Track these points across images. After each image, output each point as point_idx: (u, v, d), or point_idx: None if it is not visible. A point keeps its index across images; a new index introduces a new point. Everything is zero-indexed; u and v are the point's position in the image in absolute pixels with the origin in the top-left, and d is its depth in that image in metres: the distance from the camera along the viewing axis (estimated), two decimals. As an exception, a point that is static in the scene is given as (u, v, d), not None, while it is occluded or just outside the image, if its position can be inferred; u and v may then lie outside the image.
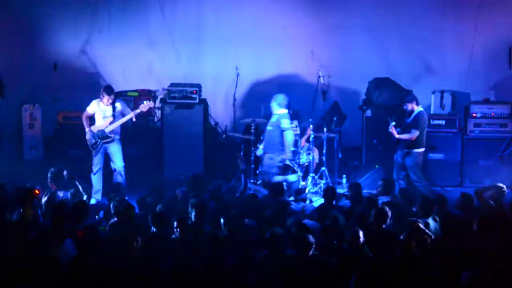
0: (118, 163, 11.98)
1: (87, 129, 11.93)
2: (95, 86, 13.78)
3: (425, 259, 7.71)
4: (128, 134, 13.87)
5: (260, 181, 12.62)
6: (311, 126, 12.75)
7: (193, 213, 9.19)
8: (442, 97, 13.84)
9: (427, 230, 8.40)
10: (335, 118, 13.38)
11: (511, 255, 7.73)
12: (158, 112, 14.17)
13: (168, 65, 14.72)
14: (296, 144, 12.89)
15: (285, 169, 12.63)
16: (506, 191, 10.69)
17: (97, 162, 11.99)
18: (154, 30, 14.77)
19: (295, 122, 13.26)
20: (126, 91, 14.14)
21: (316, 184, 12.80)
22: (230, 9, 14.70)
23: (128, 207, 9.30)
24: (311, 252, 7.90)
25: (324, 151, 12.93)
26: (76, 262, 7.56)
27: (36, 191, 10.15)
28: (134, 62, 14.64)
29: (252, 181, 12.71)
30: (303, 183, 12.63)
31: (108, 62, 14.53)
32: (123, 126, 12.12)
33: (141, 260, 7.83)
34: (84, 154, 12.64)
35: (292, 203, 11.32)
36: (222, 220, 8.81)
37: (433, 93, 13.95)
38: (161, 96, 12.62)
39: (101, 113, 11.93)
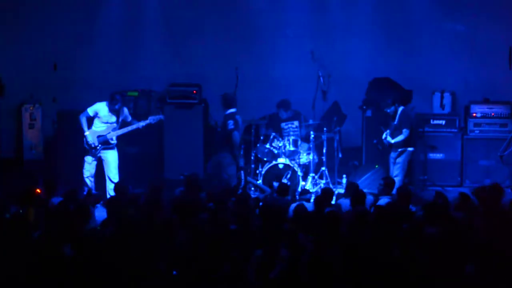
0: (113, 171, 11.76)
1: (86, 132, 11.75)
2: (96, 86, 13.77)
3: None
4: (128, 134, 13.88)
5: (260, 180, 12.65)
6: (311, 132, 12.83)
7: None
8: (442, 97, 13.86)
9: None
10: (335, 118, 13.39)
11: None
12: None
13: (168, 65, 14.70)
14: (296, 144, 12.90)
15: (285, 170, 12.66)
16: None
17: (90, 168, 11.80)
18: (155, 29, 14.75)
19: (296, 123, 13.28)
20: (126, 91, 14.11)
21: (316, 184, 12.82)
22: (230, 8, 14.69)
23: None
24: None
25: (324, 151, 12.94)
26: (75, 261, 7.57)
27: (38, 190, 10.15)
28: (134, 62, 14.61)
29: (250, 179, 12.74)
30: (303, 183, 12.65)
31: (108, 62, 14.50)
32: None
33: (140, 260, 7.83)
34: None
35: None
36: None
37: (433, 93, 13.97)
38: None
39: (104, 118, 11.77)
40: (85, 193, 11.46)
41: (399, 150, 12.20)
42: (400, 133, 12.13)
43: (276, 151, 12.84)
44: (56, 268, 7.45)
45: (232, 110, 12.41)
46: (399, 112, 12.24)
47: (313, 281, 7.31)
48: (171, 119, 13.71)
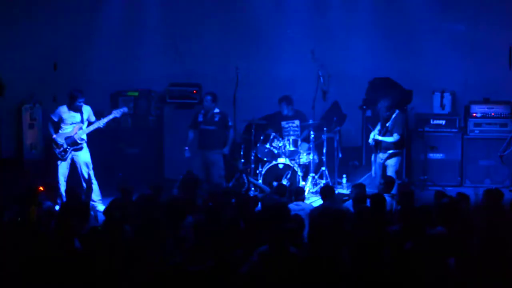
0: (85, 172, 11.65)
1: (54, 136, 11.65)
2: (96, 86, 13.77)
3: None
4: (128, 134, 13.91)
5: (260, 180, 12.66)
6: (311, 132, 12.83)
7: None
8: (442, 97, 13.86)
9: None
10: (335, 118, 13.40)
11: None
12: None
13: (168, 65, 14.70)
14: (296, 144, 12.91)
15: (285, 170, 12.66)
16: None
17: (64, 171, 11.67)
18: (155, 29, 14.75)
19: (296, 122, 13.28)
20: (126, 91, 14.12)
21: (316, 184, 12.82)
22: (231, 8, 14.69)
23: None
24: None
25: (324, 151, 12.94)
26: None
27: (40, 188, 10.15)
28: (134, 62, 14.61)
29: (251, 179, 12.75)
30: (303, 183, 12.65)
31: (108, 62, 14.50)
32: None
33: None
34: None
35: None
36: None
37: (433, 93, 13.97)
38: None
39: (69, 119, 11.67)
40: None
41: (390, 152, 12.09)
42: (391, 135, 12.04)
43: (276, 151, 12.84)
44: (57, 267, 7.48)
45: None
46: (394, 115, 12.18)
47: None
48: (171, 119, 13.73)
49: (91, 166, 11.74)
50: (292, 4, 14.67)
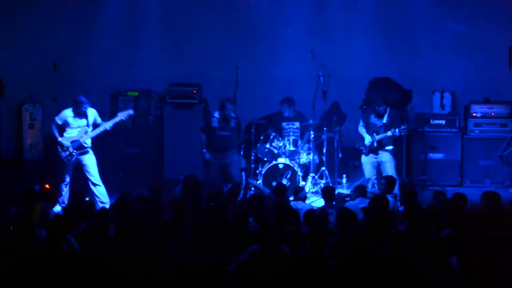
0: (95, 175, 11.59)
1: (59, 139, 11.55)
2: (96, 86, 13.78)
3: None
4: (128, 134, 13.91)
5: (260, 180, 12.66)
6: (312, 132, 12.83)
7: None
8: (442, 97, 13.86)
9: None
10: (335, 118, 13.39)
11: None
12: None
13: (168, 65, 14.70)
14: (296, 144, 12.91)
15: (285, 170, 12.66)
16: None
17: (67, 174, 11.60)
18: (155, 29, 14.75)
19: (297, 124, 13.28)
20: (127, 91, 14.12)
21: (316, 184, 12.82)
22: (231, 8, 14.69)
23: None
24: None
25: (324, 151, 12.94)
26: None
27: (47, 186, 10.15)
28: (134, 62, 14.61)
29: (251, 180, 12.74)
30: (303, 183, 12.65)
31: (108, 62, 14.50)
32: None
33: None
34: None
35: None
36: None
37: (433, 93, 13.97)
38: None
39: (74, 123, 11.59)
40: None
41: (390, 148, 12.13)
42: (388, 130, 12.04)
43: (276, 151, 12.84)
44: (58, 266, 7.49)
45: None
46: (387, 111, 12.19)
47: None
48: (171, 119, 13.73)
49: (97, 169, 11.69)
50: (292, 4, 14.67)
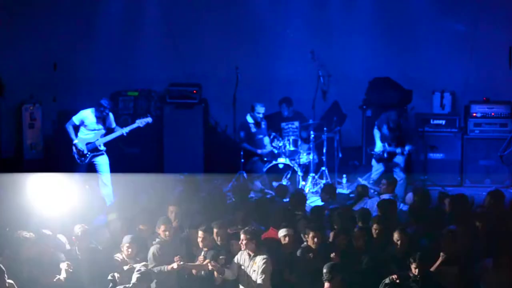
0: (106, 174, 11.62)
1: (75, 140, 11.55)
2: (96, 86, 13.77)
3: None
4: (128, 134, 13.88)
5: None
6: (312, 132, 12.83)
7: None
8: (442, 97, 13.85)
9: None
10: (335, 118, 13.40)
11: None
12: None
13: (168, 65, 14.70)
14: (296, 144, 12.90)
15: (285, 170, 12.66)
16: None
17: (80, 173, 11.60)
18: (155, 29, 14.75)
19: (296, 123, 13.28)
20: (127, 91, 14.11)
21: (316, 184, 12.81)
22: (231, 8, 14.68)
23: None
24: None
25: (324, 151, 12.94)
26: None
27: None
28: (134, 62, 14.61)
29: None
30: (303, 182, 12.66)
31: (108, 62, 14.50)
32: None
33: None
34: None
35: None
36: None
37: (433, 93, 13.96)
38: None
39: (90, 125, 11.58)
40: None
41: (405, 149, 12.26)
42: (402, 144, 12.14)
43: (276, 151, 12.84)
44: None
45: None
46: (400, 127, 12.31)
47: None
48: (171, 119, 13.72)
49: (108, 170, 11.68)
50: (292, 4, 14.66)
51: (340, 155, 13.19)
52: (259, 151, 12.87)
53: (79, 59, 14.38)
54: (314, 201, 12.07)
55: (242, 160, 12.96)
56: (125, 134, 11.64)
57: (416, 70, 14.33)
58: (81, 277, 8.13)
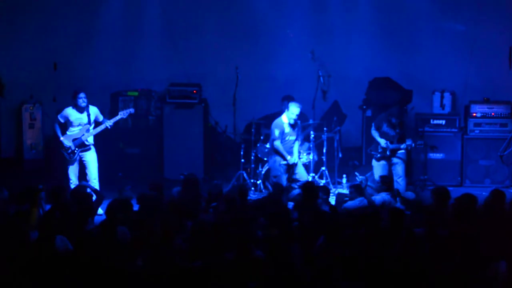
0: (93, 172, 11.63)
1: (61, 138, 11.58)
2: (96, 86, 13.77)
3: None
4: (128, 134, 13.91)
5: (260, 181, 12.67)
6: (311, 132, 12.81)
7: None
8: (442, 97, 13.85)
9: None
10: (335, 118, 13.40)
11: None
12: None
13: (168, 65, 14.70)
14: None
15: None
16: None
17: (74, 172, 11.65)
18: (155, 29, 14.76)
19: (298, 122, 13.26)
20: (127, 91, 14.12)
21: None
22: (231, 8, 14.70)
23: None
24: None
25: (324, 151, 12.94)
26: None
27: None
28: (134, 62, 14.62)
29: (252, 181, 12.74)
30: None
31: (108, 62, 14.51)
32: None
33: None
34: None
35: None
36: None
37: (433, 93, 13.96)
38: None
39: (75, 120, 11.61)
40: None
41: (403, 152, 12.20)
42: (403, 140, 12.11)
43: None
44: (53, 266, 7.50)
45: None
46: (401, 123, 12.27)
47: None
48: (171, 119, 13.73)
49: (96, 168, 11.69)
50: (292, 4, 14.67)
51: (340, 155, 13.19)
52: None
53: (79, 59, 14.39)
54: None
55: (242, 160, 12.96)
56: (109, 127, 11.64)
57: (416, 70, 14.35)
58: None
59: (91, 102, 11.89)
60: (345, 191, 12.59)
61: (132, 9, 14.71)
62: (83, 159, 11.67)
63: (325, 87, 13.26)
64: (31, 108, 14.00)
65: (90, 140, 11.67)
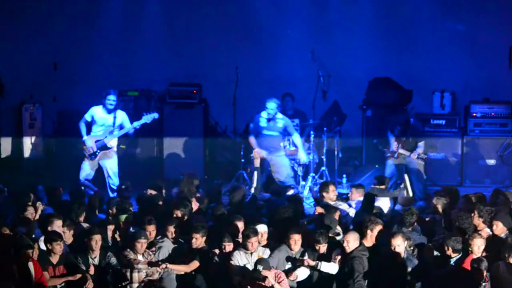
0: (114, 179, 11.64)
1: (85, 137, 11.59)
2: (96, 86, 13.77)
3: None
4: (128, 134, 13.90)
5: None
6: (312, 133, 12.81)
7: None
8: (442, 97, 13.85)
9: None
10: (335, 118, 13.40)
11: None
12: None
13: (168, 65, 14.70)
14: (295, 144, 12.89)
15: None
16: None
17: (87, 172, 11.64)
18: (155, 29, 14.75)
19: (296, 121, 13.27)
20: (127, 91, 14.11)
21: (316, 184, 12.80)
22: (231, 8, 14.69)
23: None
24: None
25: (324, 151, 12.93)
26: None
27: (60, 189, 10.19)
28: (134, 62, 14.61)
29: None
30: (303, 182, 12.64)
31: (108, 62, 14.51)
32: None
33: None
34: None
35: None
36: None
37: (433, 93, 13.96)
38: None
39: (100, 120, 11.62)
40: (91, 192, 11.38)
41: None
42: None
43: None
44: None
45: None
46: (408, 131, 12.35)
47: None
48: (171, 119, 13.72)
49: (117, 175, 11.69)
50: (292, 4, 14.66)
51: (340, 155, 13.19)
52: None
53: (79, 59, 14.38)
54: (313, 201, 12.06)
55: (242, 160, 12.95)
56: (137, 128, 11.67)
57: (416, 70, 14.33)
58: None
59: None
60: (345, 191, 12.59)
61: (132, 9, 14.71)
62: (102, 164, 11.63)
63: (325, 87, 13.27)
64: (31, 108, 13.99)
65: (113, 143, 11.61)
